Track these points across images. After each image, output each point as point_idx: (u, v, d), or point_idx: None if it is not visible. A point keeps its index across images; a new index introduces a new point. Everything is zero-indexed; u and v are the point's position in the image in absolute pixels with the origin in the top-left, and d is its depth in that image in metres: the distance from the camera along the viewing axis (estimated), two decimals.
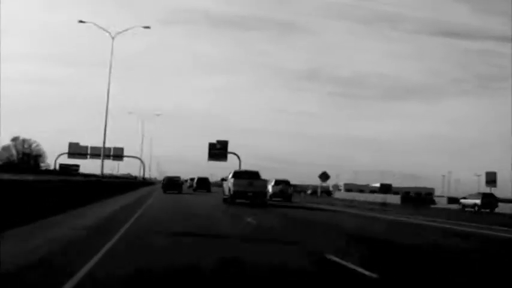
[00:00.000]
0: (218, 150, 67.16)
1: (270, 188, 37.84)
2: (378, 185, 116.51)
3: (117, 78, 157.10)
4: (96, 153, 70.95)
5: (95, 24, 42.88)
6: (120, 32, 43.04)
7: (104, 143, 44.83)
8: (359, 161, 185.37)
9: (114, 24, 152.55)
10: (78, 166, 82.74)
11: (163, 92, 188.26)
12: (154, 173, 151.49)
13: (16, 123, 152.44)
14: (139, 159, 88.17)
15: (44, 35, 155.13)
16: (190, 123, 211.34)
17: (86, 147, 78.52)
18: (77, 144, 78.58)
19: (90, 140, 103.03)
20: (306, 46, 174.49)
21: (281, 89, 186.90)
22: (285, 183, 42.09)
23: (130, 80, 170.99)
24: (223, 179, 34.41)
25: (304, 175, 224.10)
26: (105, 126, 43.32)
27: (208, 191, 57.74)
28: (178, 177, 54.92)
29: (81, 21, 42.64)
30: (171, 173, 71.81)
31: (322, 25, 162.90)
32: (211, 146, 67.12)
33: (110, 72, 43.31)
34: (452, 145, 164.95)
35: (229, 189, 29.88)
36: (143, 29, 43.14)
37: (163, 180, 53.68)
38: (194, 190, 59.02)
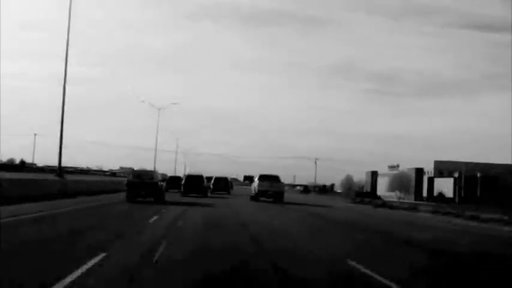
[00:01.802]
0: None
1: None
2: None
3: (149, 73, 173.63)
4: None
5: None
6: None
7: None
8: (395, 158, 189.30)
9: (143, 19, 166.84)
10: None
11: (193, 90, 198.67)
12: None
13: None
14: None
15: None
16: (221, 121, 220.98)
17: None
18: None
19: None
20: (338, 42, 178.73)
21: (313, 86, 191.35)
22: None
23: (163, 76, 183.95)
24: (248, 180, 46.03)
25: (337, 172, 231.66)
26: None
27: (229, 193, 50.94)
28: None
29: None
30: (208, 172, 56.85)
31: (352, 20, 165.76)
32: None
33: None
34: (488, 141, 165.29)
35: (255, 189, 37.03)
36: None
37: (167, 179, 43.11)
38: (211, 192, 50.56)
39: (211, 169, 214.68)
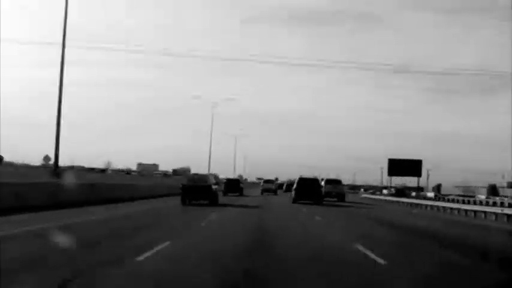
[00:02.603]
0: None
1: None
2: None
3: (206, 77, 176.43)
4: None
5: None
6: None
7: None
8: (456, 159, 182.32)
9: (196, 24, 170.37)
10: None
11: (249, 92, 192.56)
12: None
13: None
14: None
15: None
16: (277, 124, 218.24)
17: None
18: None
19: None
20: (394, 39, 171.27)
21: (369, 86, 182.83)
22: (336, 182, 46.71)
23: (220, 79, 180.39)
24: (291, 184, 47.22)
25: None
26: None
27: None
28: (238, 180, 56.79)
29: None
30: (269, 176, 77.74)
31: (406, 17, 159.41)
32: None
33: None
34: None
35: (294, 192, 36.48)
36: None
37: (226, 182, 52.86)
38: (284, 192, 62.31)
39: (270, 172, 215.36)
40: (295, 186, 36.73)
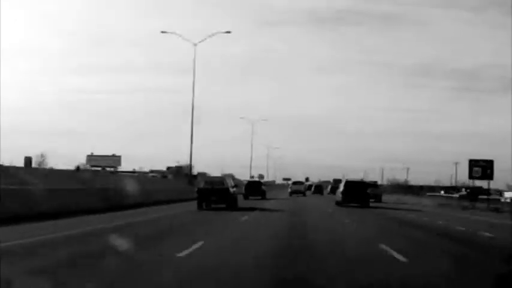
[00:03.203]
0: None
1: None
2: None
3: (230, 81, 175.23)
4: None
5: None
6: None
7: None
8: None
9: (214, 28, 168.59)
10: None
11: (275, 95, 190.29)
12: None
13: None
14: None
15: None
16: (302, 126, 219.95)
17: None
18: None
19: None
20: (417, 38, 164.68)
21: (393, 87, 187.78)
22: (375, 185, 51.64)
23: (240, 83, 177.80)
24: (336, 187, 46.47)
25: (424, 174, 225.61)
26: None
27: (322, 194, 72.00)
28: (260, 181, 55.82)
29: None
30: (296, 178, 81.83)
31: (429, 15, 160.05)
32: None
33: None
34: None
35: (341, 194, 35.45)
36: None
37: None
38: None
39: (296, 173, 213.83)
40: (342, 189, 35.87)
